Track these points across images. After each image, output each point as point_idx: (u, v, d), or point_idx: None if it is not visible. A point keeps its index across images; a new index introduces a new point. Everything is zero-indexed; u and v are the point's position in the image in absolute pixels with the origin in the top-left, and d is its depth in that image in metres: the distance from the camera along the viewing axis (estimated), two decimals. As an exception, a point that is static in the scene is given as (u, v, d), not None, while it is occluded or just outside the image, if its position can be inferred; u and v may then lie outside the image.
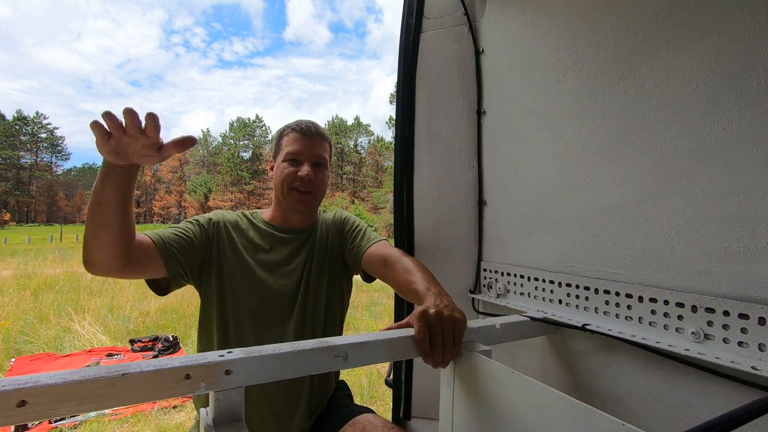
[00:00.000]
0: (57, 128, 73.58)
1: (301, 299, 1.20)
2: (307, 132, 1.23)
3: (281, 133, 1.27)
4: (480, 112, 1.32)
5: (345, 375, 3.78)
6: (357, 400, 1.37)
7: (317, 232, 1.30)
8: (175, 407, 3.17)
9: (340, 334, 1.31)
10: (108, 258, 0.88)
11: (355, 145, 71.70)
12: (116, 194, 0.83)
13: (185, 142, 0.75)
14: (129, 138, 0.73)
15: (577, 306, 1.00)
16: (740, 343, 0.69)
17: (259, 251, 1.21)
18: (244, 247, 1.20)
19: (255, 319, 1.15)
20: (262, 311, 1.16)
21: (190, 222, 1.16)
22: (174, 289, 1.12)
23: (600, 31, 0.95)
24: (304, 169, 1.19)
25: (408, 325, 0.81)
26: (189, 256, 1.09)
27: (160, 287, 1.09)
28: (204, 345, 1.19)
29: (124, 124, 0.71)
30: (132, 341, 4.65)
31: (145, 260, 0.98)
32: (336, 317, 1.30)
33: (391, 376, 1.39)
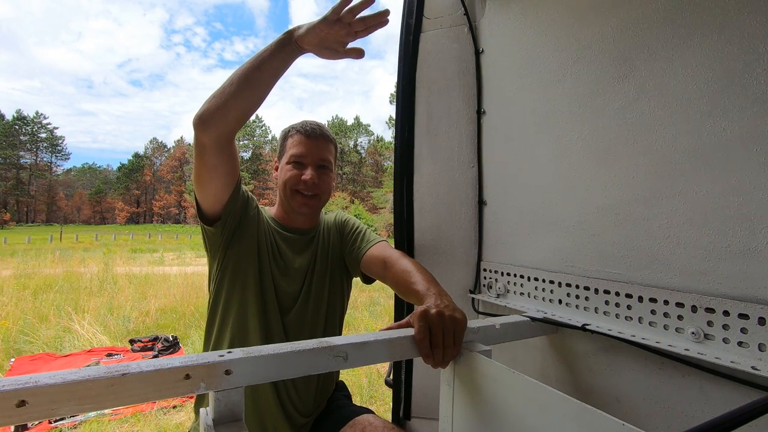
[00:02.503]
0: (57, 128, 73.76)
1: (303, 299, 1.20)
2: (311, 134, 1.20)
3: (286, 134, 1.25)
4: (480, 112, 1.32)
5: (345, 375, 3.78)
6: (357, 400, 1.37)
7: (320, 234, 1.30)
8: (175, 407, 3.17)
9: (340, 334, 1.31)
10: (228, 121, 0.96)
11: (355, 145, 71.70)
12: (278, 67, 0.96)
13: (360, 53, 0.97)
14: (341, 27, 0.91)
15: (577, 306, 1.00)
16: (740, 343, 0.69)
17: (272, 247, 1.21)
18: (265, 239, 1.19)
19: (258, 315, 1.15)
20: (266, 307, 1.16)
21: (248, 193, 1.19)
22: (212, 229, 1.12)
23: (600, 31, 0.95)
24: (308, 173, 1.18)
25: (408, 325, 0.81)
26: (242, 208, 1.14)
27: (205, 218, 1.12)
28: (207, 333, 1.19)
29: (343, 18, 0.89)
30: (132, 341, 4.65)
31: (231, 166, 1.05)
32: (336, 318, 1.30)
33: (391, 376, 1.39)
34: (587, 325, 0.93)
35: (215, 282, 1.16)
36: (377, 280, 1.23)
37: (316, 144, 1.21)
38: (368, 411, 1.21)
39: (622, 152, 0.90)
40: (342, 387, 1.39)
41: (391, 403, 1.42)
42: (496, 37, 1.27)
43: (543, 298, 1.09)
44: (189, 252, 18.20)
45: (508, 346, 1.20)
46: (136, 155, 79.40)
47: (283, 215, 1.27)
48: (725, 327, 0.71)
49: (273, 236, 1.22)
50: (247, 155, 70.23)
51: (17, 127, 67.64)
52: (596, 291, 0.95)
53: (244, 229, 1.15)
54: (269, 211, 1.30)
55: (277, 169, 1.27)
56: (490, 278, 1.28)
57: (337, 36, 0.92)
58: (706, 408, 0.75)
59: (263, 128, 72.05)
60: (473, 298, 1.32)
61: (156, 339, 4.69)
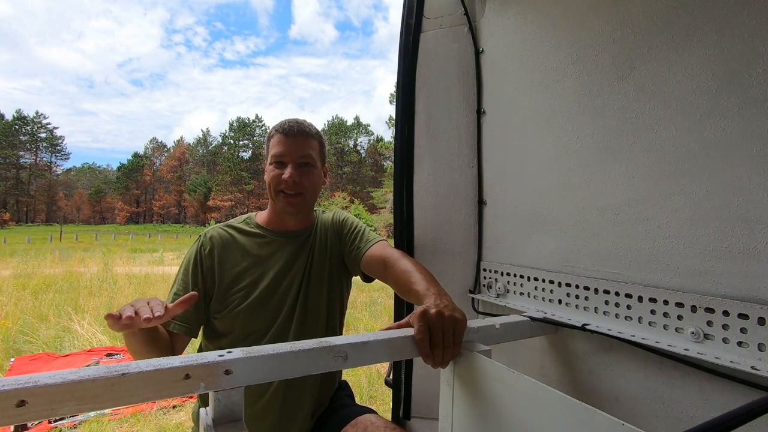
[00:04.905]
0: (57, 128, 73.65)
1: (302, 303, 1.20)
2: (289, 132, 1.19)
3: (269, 136, 1.24)
4: (480, 112, 1.32)
5: (344, 375, 3.77)
6: (356, 400, 1.37)
7: (316, 233, 1.29)
8: (174, 407, 3.17)
9: (341, 334, 1.31)
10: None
11: (355, 145, 71.70)
12: (141, 341, 0.97)
13: (185, 302, 0.86)
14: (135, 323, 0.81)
15: (576, 306, 1.00)
16: (740, 343, 0.69)
17: (258, 260, 1.20)
18: (244, 260, 1.19)
19: (256, 323, 1.16)
20: (264, 316, 1.16)
21: (185, 274, 1.17)
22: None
23: (600, 31, 0.95)
24: (287, 172, 1.16)
25: (408, 325, 0.81)
26: (202, 312, 1.16)
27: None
28: (206, 336, 1.21)
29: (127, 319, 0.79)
30: (131, 341, 4.63)
31: (185, 344, 1.15)
32: (336, 318, 1.29)
33: (391, 376, 1.39)
34: (587, 325, 0.93)
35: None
36: (377, 279, 1.23)
37: (295, 142, 1.18)
38: (370, 411, 1.21)
39: (622, 152, 0.90)
40: (345, 387, 1.39)
41: (390, 403, 1.42)
42: (496, 37, 1.27)
43: (543, 298, 1.09)
44: (189, 252, 18.15)
45: (508, 346, 1.20)
46: (136, 155, 79.26)
47: (274, 218, 1.26)
48: (725, 327, 0.71)
49: (254, 248, 1.22)
50: (247, 155, 70.25)
51: (17, 126, 67.61)
52: (596, 291, 0.95)
53: (212, 292, 1.17)
54: (256, 218, 1.29)
55: (265, 171, 1.26)
56: (490, 278, 1.28)
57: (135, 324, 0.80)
58: (706, 408, 0.75)
59: (263, 128, 72.06)
60: (473, 298, 1.32)
61: (156, 339, 4.68)
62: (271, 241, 1.23)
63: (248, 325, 1.15)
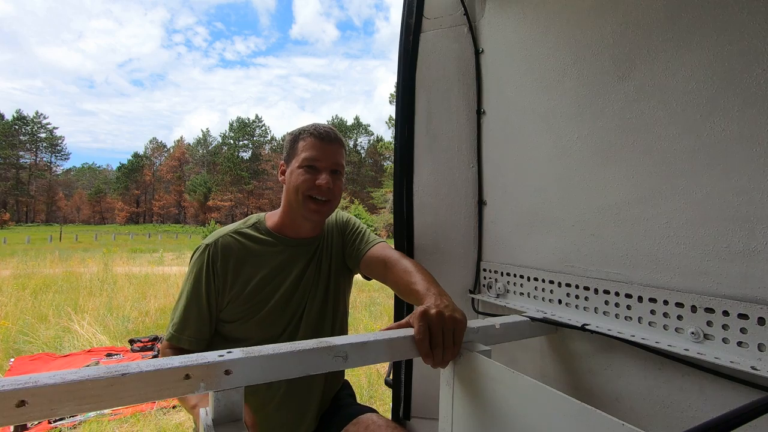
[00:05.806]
0: (57, 128, 73.70)
1: (311, 306, 1.20)
2: (325, 138, 1.16)
3: (297, 137, 1.19)
4: (480, 112, 1.32)
5: (344, 375, 3.77)
6: (356, 401, 1.37)
7: (325, 237, 1.28)
8: (174, 407, 3.17)
9: (346, 333, 1.32)
10: None
11: (355, 145, 71.71)
12: None
13: None
14: None
15: (576, 306, 1.00)
16: (740, 343, 0.69)
17: (274, 270, 1.17)
18: (259, 270, 1.16)
19: (272, 329, 1.16)
20: (279, 322, 1.16)
21: (196, 286, 1.13)
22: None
23: (600, 31, 0.95)
24: (323, 178, 1.13)
25: (408, 325, 0.81)
26: (214, 323, 1.16)
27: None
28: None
29: None
30: (131, 341, 4.64)
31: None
32: (344, 320, 1.31)
33: (391, 376, 1.39)
34: (587, 325, 0.93)
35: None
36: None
37: (330, 148, 1.17)
38: (372, 410, 1.22)
39: (622, 152, 0.90)
40: (346, 386, 1.40)
41: (390, 403, 1.42)
42: (496, 37, 1.27)
43: (543, 298, 1.09)
44: (189, 252, 18.19)
45: (508, 346, 1.20)
46: (136, 155, 79.17)
47: (288, 223, 1.21)
48: (725, 327, 0.71)
49: (268, 258, 1.18)
50: (247, 155, 70.24)
51: (17, 127, 67.58)
52: (596, 291, 0.95)
53: (222, 300, 1.15)
54: (266, 221, 1.24)
55: (283, 172, 1.22)
56: (490, 278, 1.28)
57: None
58: (706, 408, 0.75)
59: (263, 128, 72.05)
60: (473, 298, 1.32)
61: (156, 339, 4.68)
62: (285, 250, 1.20)
63: (265, 331, 1.15)
